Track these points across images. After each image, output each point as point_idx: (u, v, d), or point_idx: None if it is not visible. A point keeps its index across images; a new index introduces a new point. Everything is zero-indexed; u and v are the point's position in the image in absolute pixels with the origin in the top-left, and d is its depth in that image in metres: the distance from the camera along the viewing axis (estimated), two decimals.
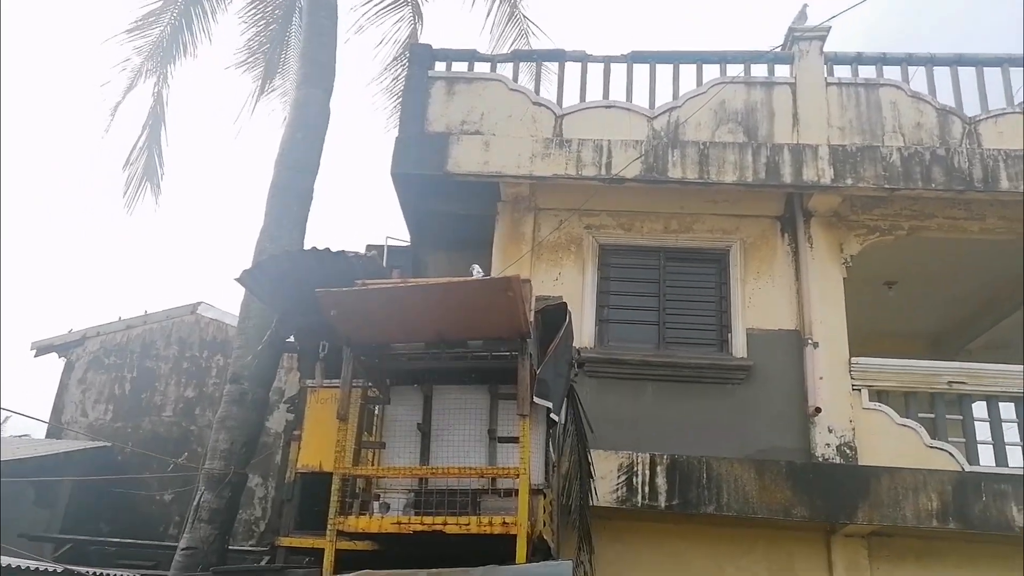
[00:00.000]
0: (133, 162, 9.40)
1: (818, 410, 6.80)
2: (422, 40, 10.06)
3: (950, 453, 6.72)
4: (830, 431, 6.81)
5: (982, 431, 6.95)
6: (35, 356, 12.82)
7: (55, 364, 12.86)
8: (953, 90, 7.80)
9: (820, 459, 6.71)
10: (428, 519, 4.77)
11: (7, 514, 10.15)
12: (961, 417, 7.03)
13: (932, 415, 7.02)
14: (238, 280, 6.37)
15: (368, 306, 4.94)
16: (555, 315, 5.54)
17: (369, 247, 9.36)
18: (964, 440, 6.90)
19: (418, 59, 8.19)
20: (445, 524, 4.70)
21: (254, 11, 10.02)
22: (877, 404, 6.97)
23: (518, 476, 4.72)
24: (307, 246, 6.94)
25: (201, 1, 9.48)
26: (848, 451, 6.74)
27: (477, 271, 5.84)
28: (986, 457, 6.84)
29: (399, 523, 4.82)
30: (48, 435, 12.64)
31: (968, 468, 6.64)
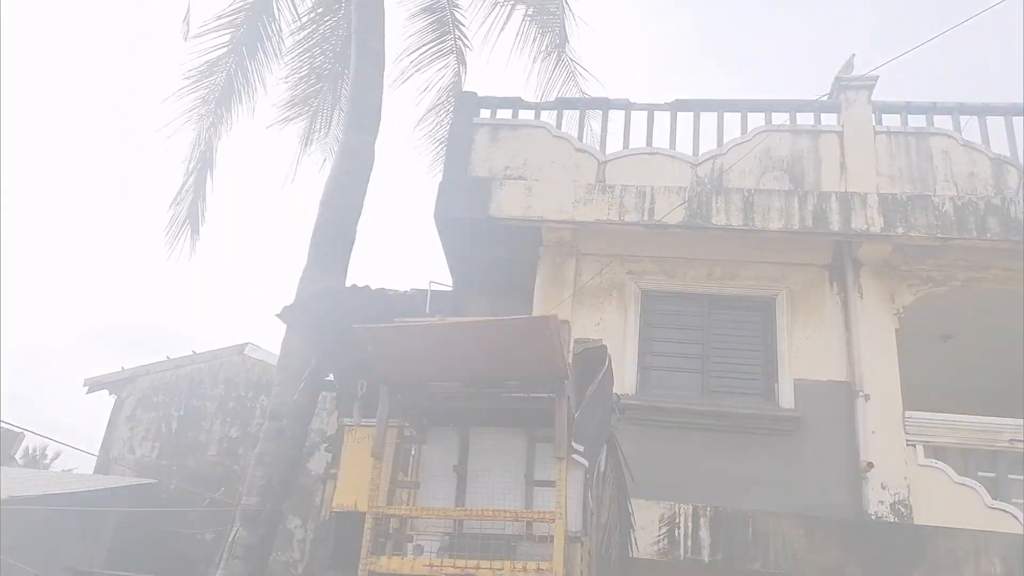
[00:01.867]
0: (179, 203, 9.43)
1: (870, 465, 6.54)
2: (465, 85, 10.29)
3: (1013, 515, 6.37)
4: (883, 488, 6.52)
5: None
6: (87, 392, 13.20)
7: (106, 401, 13.23)
8: (1008, 139, 7.65)
9: (873, 517, 6.42)
10: (461, 562, 4.66)
11: (52, 546, 10.30)
12: None
13: (993, 474, 6.69)
14: (279, 316, 6.47)
15: (406, 343, 4.94)
16: (595, 359, 5.46)
17: (412, 291, 9.41)
18: None
19: (463, 106, 8.39)
20: (478, 568, 4.58)
21: (301, 64, 10.29)
22: (933, 461, 6.67)
23: (553, 520, 4.60)
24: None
25: (256, 53, 9.81)
26: (903, 509, 6.44)
27: None
28: None
29: (431, 565, 4.72)
30: (96, 470, 12.89)
31: None
